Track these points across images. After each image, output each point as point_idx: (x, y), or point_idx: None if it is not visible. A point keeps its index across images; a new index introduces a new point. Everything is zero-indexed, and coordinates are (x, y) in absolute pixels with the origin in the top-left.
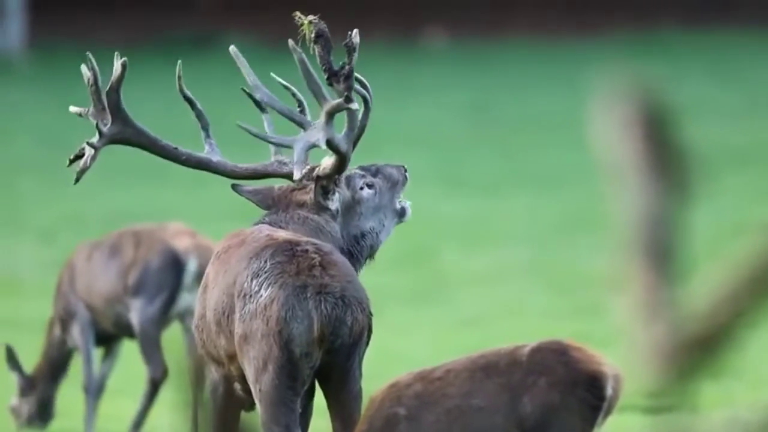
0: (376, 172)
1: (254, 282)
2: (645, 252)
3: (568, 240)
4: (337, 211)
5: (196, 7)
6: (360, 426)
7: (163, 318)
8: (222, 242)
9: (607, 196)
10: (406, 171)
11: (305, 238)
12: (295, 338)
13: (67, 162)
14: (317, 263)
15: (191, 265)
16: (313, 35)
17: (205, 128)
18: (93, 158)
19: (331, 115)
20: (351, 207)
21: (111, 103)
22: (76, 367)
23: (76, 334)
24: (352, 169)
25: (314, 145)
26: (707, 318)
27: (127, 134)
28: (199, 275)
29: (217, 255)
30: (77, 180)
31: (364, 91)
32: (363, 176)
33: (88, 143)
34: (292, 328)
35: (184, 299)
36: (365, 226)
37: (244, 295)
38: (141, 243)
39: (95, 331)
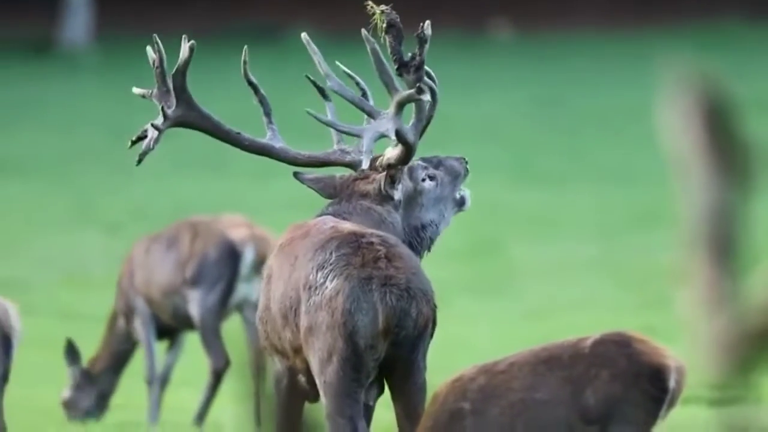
0: (438, 164)
1: (319, 274)
2: (708, 245)
3: (636, 234)
4: (400, 201)
5: None
6: (425, 422)
7: (222, 308)
8: (285, 234)
9: (673, 190)
10: (467, 163)
11: (370, 230)
12: (360, 330)
13: (129, 144)
14: (382, 255)
15: (248, 255)
16: (384, 25)
17: (267, 114)
18: (156, 141)
19: (401, 106)
20: (413, 198)
21: (176, 85)
22: (139, 360)
23: (138, 328)
24: (414, 160)
25: (383, 135)
26: None
27: (191, 118)
28: (256, 265)
29: (280, 247)
30: (139, 161)
31: (431, 83)
32: (425, 168)
33: (152, 125)
34: (357, 320)
35: (242, 289)
36: (426, 217)
37: (310, 287)
38: (198, 235)
39: (156, 324)
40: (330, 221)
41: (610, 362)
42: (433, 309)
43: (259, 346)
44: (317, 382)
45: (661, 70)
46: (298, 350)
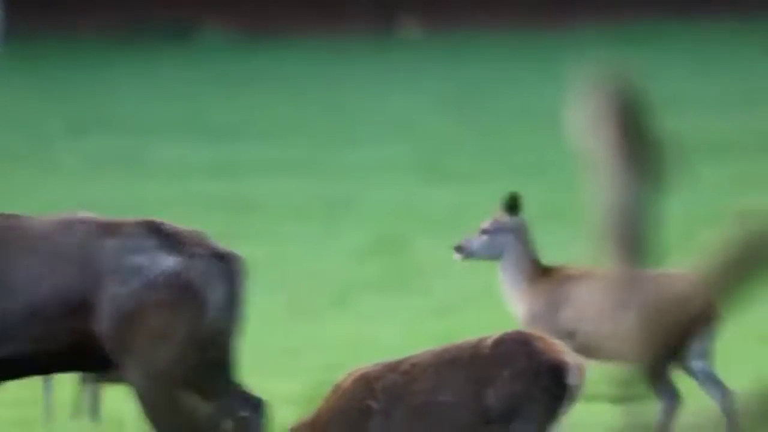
0: None
1: None
2: (618, 241)
3: (543, 230)
4: None
5: None
6: (329, 412)
7: None
8: None
9: (582, 186)
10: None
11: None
12: None
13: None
14: None
15: None
16: None
17: None
18: None
19: None
20: None
21: None
22: None
23: None
24: None
25: None
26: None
27: None
28: None
29: None
30: None
31: None
32: None
33: None
34: None
35: None
36: None
37: None
38: None
39: None
40: None
41: (510, 361)
42: None
43: None
44: None
45: (572, 68)
46: None
